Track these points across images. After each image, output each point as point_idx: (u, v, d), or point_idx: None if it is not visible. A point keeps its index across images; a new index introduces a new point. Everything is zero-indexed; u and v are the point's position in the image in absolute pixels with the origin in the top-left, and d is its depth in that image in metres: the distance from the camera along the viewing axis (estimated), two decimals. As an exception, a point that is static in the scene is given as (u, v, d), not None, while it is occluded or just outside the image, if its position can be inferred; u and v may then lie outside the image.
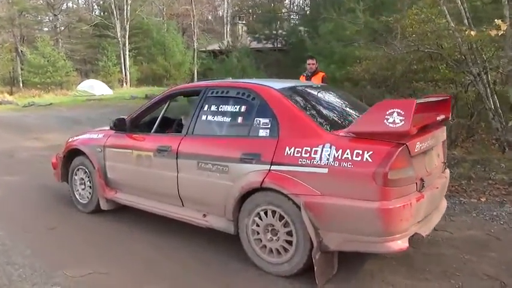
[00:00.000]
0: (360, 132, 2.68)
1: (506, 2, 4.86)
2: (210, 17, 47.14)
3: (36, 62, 27.99)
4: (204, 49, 33.30)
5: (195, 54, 37.04)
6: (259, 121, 3.07)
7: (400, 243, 2.61)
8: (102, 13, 36.33)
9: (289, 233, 2.88)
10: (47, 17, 39.60)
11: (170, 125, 4.41)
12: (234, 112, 3.27)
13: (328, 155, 2.66)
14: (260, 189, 2.94)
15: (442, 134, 3.34)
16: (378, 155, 2.52)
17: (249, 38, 24.77)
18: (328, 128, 2.87)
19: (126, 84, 32.03)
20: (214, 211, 3.30)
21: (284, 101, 3.06)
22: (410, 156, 2.63)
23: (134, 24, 34.77)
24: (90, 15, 37.96)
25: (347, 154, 2.60)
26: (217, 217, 3.29)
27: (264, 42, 10.89)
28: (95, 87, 24.18)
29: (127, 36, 32.29)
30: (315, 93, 3.42)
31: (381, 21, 5.59)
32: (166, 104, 4.01)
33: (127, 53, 32.38)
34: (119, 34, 32.06)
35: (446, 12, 5.04)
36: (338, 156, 2.63)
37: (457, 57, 5.44)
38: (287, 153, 2.83)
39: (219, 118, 3.34)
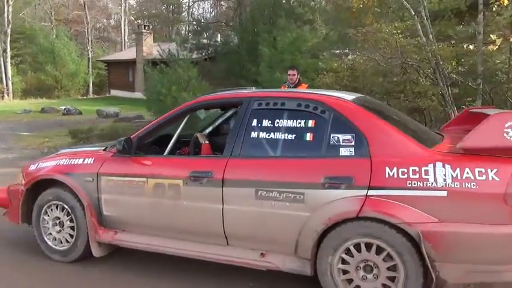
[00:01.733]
0: (474, 148, 2.34)
1: (482, 19, 5.31)
2: (105, 24, 44.27)
3: None
4: (102, 59, 31.14)
5: (90, 63, 34.45)
6: (338, 138, 2.58)
7: None
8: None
9: (392, 268, 2.42)
10: None
11: (184, 145, 3.63)
12: (298, 128, 2.72)
13: (444, 175, 2.30)
14: (353, 219, 2.45)
15: None
16: (506, 174, 2.24)
17: (158, 47, 23.77)
18: (428, 145, 2.54)
19: (8, 95, 28.09)
20: (278, 249, 2.70)
21: (368, 115, 2.66)
22: None
23: (15, 29, 30.88)
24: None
25: (467, 173, 2.28)
26: (283, 256, 2.69)
27: (196, 52, 10.40)
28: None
29: (8, 42, 28.43)
30: (383, 106, 2.98)
31: (343, 33, 5.67)
32: (185, 119, 3.33)
33: (8, 60, 28.50)
34: (-2, 39, 28.08)
35: (419, 27, 5.33)
36: (457, 176, 2.29)
37: (429, 70, 5.73)
38: (389, 174, 2.39)
39: (278, 135, 2.75)
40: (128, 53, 28.78)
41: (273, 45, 8.06)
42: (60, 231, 3.40)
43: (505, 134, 2.26)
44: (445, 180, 2.29)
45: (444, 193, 2.29)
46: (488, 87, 5.43)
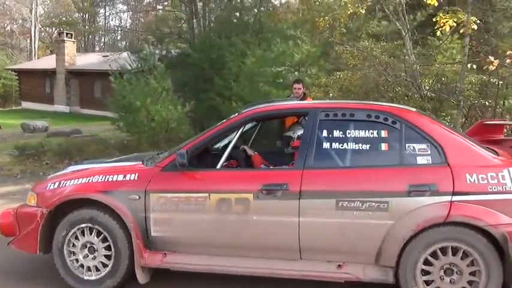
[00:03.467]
0: None
1: (468, 43, 5.93)
2: (13, 29, 40.19)
3: None
4: (13, 67, 28.11)
5: (-6, 72, 30.86)
6: (414, 147, 2.69)
7: None
8: None
9: (473, 273, 2.56)
10: None
11: (232, 157, 3.49)
12: (371, 138, 2.78)
13: None
14: (440, 224, 2.56)
15: None
16: None
17: (85, 57, 21.97)
18: (493, 152, 2.77)
19: None
20: (357, 259, 2.71)
21: (437, 124, 2.86)
22: None
23: None
24: None
25: None
26: (363, 266, 2.69)
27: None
28: None
29: None
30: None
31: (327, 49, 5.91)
32: (239, 131, 3.18)
33: None
34: None
35: (409, 47, 5.77)
36: None
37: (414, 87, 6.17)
38: (470, 180, 2.56)
39: (351, 145, 2.79)
40: (43, 62, 26.42)
41: (242, 60, 8.12)
42: (94, 258, 3.03)
43: None
44: None
45: None
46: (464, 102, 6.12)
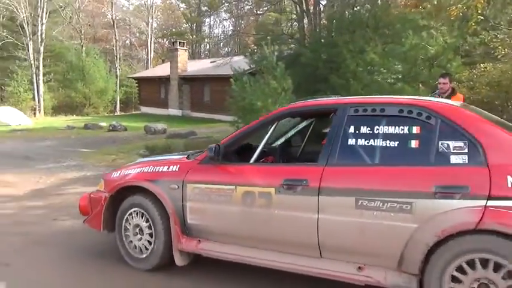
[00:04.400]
0: None
1: None
2: (132, 42, 44.78)
3: None
4: (134, 75, 31.28)
5: (118, 81, 34.67)
6: (448, 145, 2.41)
7: None
8: (6, 31, 31.87)
9: None
10: None
11: (269, 153, 3.59)
12: (400, 135, 2.57)
13: None
14: (470, 232, 2.24)
15: None
16: None
17: (197, 63, 23.63)
18: None
19: (39, 112, 28.23)
20: (378, 262, 2.52)
21: (482, 120, 2.52)
22: None
23: (46, 47, 31.22)
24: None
25: None
26: (384, 269, 2.50)
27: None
28: (9, 116, 20.65)
29: (41, 59, 28.72)
30: (488, 114, 2.86)
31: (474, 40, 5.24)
32: (273, 127, 3.16)
33: (41, 78, 28.75)
34: (31, 56, 28.35)
35: None
36: None
37: None
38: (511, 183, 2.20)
39: (378, 142, 2.61)
40: (159, 70, 28.84)
41: (360, 57, 7.73)
42: (140, 238, 3.34)
43: None
44: None
45: None
46: None
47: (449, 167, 2.38)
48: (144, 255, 3.30)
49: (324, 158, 2.72)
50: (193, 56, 42.34)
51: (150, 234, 3.27)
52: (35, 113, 27.41)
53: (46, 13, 29.02)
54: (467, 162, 2.34)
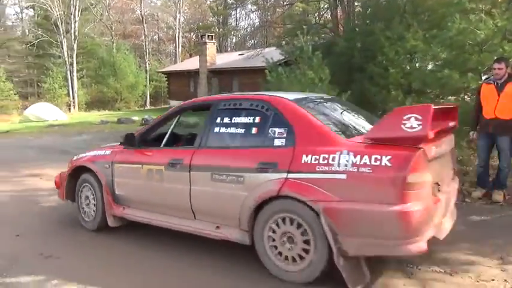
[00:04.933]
0: (378, 138, 2.73)
1: None
2: (161, 37, 45.26)
3: (-33, 83, 24.30)
4: (163, 70, 31.64)
5: (148, 75, 35.19)
6: (275, 131, 3.07)
7: (420, 246, 2.63)
8: (41, 30, 32.85)
9: (307, 242, 2.87)
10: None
11: (180, 140, 4.43)
12: (247, 123, 3.26)
13: (346, 161, 2.68)
14: (277, 197, 2.93)
15: (452, 140, 3.42)
16: (397, 160, 2.56)
17: (225, 56, 23.69)
18: (344, 136, 2.92)
19: (74, 108, 29.06)
20: (228, 222, 3.25)
21: (299, 111, 3.09)
22: (427, 160, 2.65)
23: (78, 44, 32.02)
24: (32, 30, 34.14)
25: (365, 160, 2.63)
26: (231, 228, 3.24)
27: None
28: (46, 111, 21.32)
29: (74, 56, 29.48)
30: (327, 103, 3.50)
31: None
32: (176, 119, 4.04)
33: (75, 74, 29.56)
34: (65, 54, 29.15)
35: None
36: (356, 162, 2.65)
37: None
38: (304, 161, 2.83)
39: (232, 130, 3.32)
40: (188, 64, 29.02)
41: (400, 44, 7.42)
42: (88, 206, 4.28)
43: (403, 126, 2.58)
44: (346, 165, 2.66)
45: (344, 176, 2.66)
46: None
47: (271, 148, 3.03)
48: (91, 219, 4.24)
49: (197, 143, 3.47)
50: (220, 49, 42.46)
51: (94, 204, 4.18)
52: (69, 108, 28.26)
53: (78, 11, 29.73)
54: (284, 144, 2.98)
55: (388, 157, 2.56)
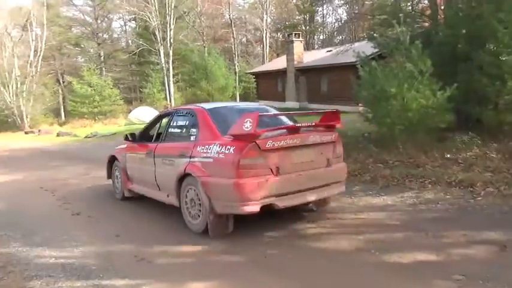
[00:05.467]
0: (233, 134, 3.99)
1: None
2: (249, 39, 46.38)
3: (82, 91, 27.36)
4: (252, 71, 32.35)
5: (237, 77, 36.24)
6: (193, 131, 4.58)
7: (252, 208, 3.84)
8: (141, 40, 35.79)
9: (200, 205, 4.25)
10: (91, 47, 39.58)
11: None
12: (182, 126, 4.88)
13: (214, 150, 4.05)
14: (185, 175, 4.37)
15: (325, 137, 4.31)
16: (236, 149, 3.86)
17: (311, 54, 23.39)
18: (223, 134, 4.17)
19: (170, 110, 31.01)
20: (170, 192, 4.70)
21: (205, 117, 4.51)
22: (260, 150, 3.85)
23: (174, 50, 34.12)
24: (134, 41, 37.44)
25: (222, 149, 3.98)
26: (172, 196, 4.67)
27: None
28: (147, 114, 23.16)
29: (170, 62, 31.50)
30: (230, 109, 4.89)
31: None
32: (158, 123, 5.78)
33: (171, 79, 31.59)
34: (162, 60, 31.34)
35: None
36: (218, 150, 4.02)
37: None
38: (198, 150, 4.26)
39: (176, 130, 4.98)
40: (275, 64, 29.23)
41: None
42: (118, 182, 6.22)
43: (243, 126, 3.79)
44: (213, 153, 4.07)
45: (211, 160, 4.09)
46: None
47: (187, 142, 4.49)
48: (118, 192, 6.20)
49: (160, 139, 5.20)
50: (307, 47, 42.08)
51: (119, 181, 6.16)
52: (167, 111, 30.28)
53: (173, 20, 31.71)
54: (193, 140, 4.44)
55: (233, 147, 3.88)
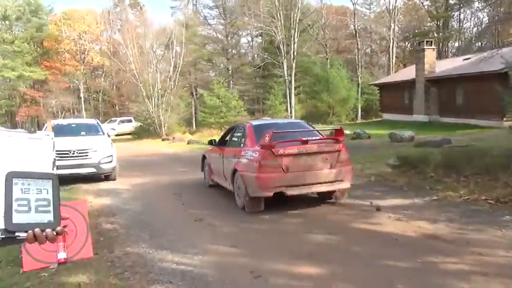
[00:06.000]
0: (260, 144, 5.74)
1: None
2: (374, 48, 44.69)
3: (212, 103, 29.43)
4: (375, 82, 30.95)
5: (360, 89, 35.04)
6: (242, 140, 6.56)
7: (267, 193, 5.59)
8: (266, 54, 37.21)
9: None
10: (221, 62, 42.77)
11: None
12: (237, 136, 6.93)
13: (249, 154, 5.92)
14: (235, 170, 6.27)
15: (329, 148, 5.84)
16: (259, 154, 5.65)
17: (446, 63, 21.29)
18: (257, 144, 5.90)
19: (291, 122, 31.39)
20: (230, 181, 6.56)
21: (250, 130, 6.48)
22: (274, 155, 5.53)
23: (296, 63, 34.57)
24: (260, 55, 39.27)
25: (253, 153, 5.82)
26: (231, 184, 6.54)
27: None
28: (268, 125, 23.74)
29: (293, 74, 32.00)
30: (269, 125, 6.74)
31: None
32: (229, 133, 7.52)
33: (293, 91, 32.06)
34: (285, 73, 32.02)
35: None
36: (251, 154, 5.88)
37: None
38: (242, 153, 6.22)
39: (234, 139, 7.03)
40: (402, 74, 27.43)
41: None
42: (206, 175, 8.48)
43: (265, 139, 5.58)
44: (248, 156, 5.92)
45: (247, 160, 5.91)
46: None
47: (238, 148, 6.42)
48: (206, 181, 8.27)
49: (227, 145, 7.14)
50: (439, 56, 38.56)
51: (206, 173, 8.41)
52: (287, 123, 30.73)
53: (297, 33, 32.23)
54: (242, 146, 6.35)
55: (257, 153, 5.68)
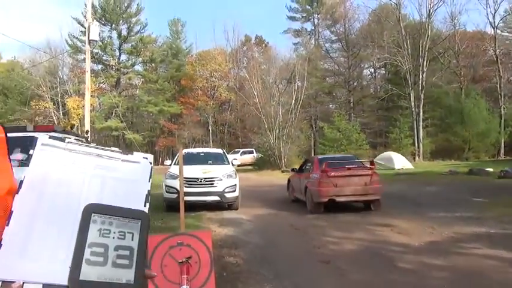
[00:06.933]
0: (320, 170, 9.23)
1: None
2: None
3: (332, 135, 28.92)
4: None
5: (502, 121, 30.78)
6: (312, 167, 10.59)
7: (323, 200, 8.92)
8: (391, 85, 35.43)
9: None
10: (342, 95, 42.31)
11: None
12: (309, 165, 11.14)
13: (314, 175, 9.47)
14: (306, 186, 9.90)
15: (364, 172, 9.27)
16: (319, 175, 9.17)
17: None
18: (320, 169, 9.38)
19: (418, 157, 28.97)
20: (303, 194, 9.96)
21: (316, 161, 10.47)
22: (328, 176, 8.96)
23: (425, 94, 32.06)
24: (383, 86, 37.79)
25: (316, 175, 9.29)
26: (304, 196, 9.98)
27: None
28: (393, 160, 22.24)
29: (421, 106, 29.73)
30: (328, 158, 11.33)
31: None
32: (304, 164, 11.42)
33: (420, 124, 29.77)
34: (412, 104, 29.94)
35: None
36: (315, 175, 9.39)
37: None
38: (311, 176, 10.04)
39: (307, 167, 11.03)
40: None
41: None
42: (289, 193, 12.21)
43: (323, 166, 9.40)
44: (314, 175, 9.62)
45: (313, 179, 9.60)
46: None
47: (309, 173, 10.42)
48: (291, 197, 11.59)
49: (303, 171, 11.03)
50: None
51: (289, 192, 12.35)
52: (414, 158, 28.40)
53: (426, 62, 30.12)
54: (310, 171, 10.32)
55: (318, 174, 9.19)
